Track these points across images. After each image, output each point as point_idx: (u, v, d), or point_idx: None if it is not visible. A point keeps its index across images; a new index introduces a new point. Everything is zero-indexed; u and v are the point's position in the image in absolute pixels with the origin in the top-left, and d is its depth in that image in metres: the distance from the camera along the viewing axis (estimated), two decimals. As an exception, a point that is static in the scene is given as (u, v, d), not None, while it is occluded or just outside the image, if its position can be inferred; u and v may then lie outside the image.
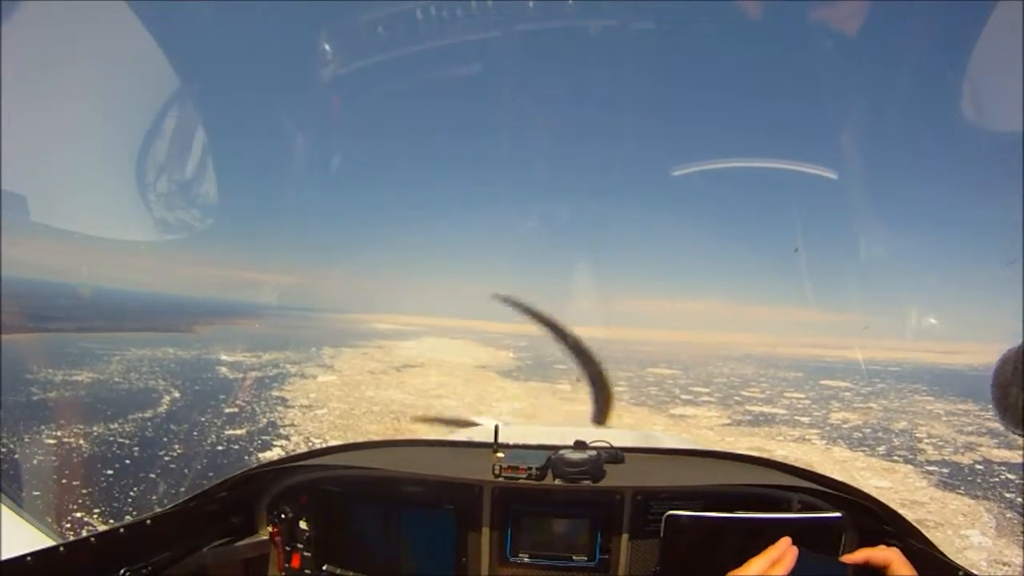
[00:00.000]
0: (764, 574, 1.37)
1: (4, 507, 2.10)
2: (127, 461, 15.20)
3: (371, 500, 2.08)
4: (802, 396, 26.04)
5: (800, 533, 1.57)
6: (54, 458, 13.66)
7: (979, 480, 16.81)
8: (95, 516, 11.23)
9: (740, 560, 1.45)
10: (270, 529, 2.09)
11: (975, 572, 1.56)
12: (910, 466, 17.81)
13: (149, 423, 18.48)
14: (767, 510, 1.76)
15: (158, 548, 1.69)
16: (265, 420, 21.10)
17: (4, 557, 1.33)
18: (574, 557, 2.00)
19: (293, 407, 22.78)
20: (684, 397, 26.54)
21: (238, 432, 19.11)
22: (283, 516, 2.06)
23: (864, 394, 25.97)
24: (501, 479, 1.97)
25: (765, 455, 2.40)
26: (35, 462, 11.55)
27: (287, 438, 19.25)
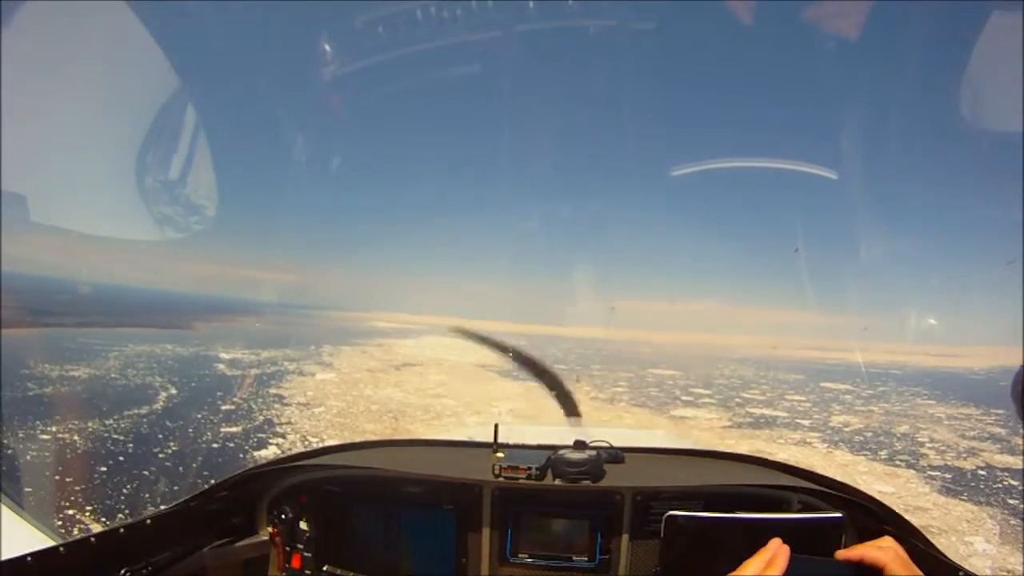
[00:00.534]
0: (759, 574, 1.35)
1: (4, 507, 2.09)
2: (121, 458, 15.11)
3: (371, 500, 2.08)
4: (803, 399, 26.02)
5: (800, 533, 1.56)
6: (48, 454, 13.58)
7: (982, 486, 16.77)
8: (87, 513, 11.16)
9: (740, 560, 1.44)
10: (270, 529, 2.09)
11: (976, 573, 1.56)
12: (912, 471, 17.78)
13: (145, 420, 18.40)
14: (767, 510, 1.76)
15: (158, 548, 1.69)
16: (262, 418, 21.03)
17: (4, 557, 1.32)
18: (574, 557, 2.00)
19: (290, 405, 22.73)
20: (684, 398, 26.53)
21: (234, 430, 19.04)
22: (283, 516, 2.06)
23: (865, 397, 25.96)
24: (501, 479, 1.97)
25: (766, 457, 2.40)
26: (28, 458, 11.47)
27: (283, 436, 19.18)
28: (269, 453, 16.96)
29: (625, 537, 1.98)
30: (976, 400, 22.85)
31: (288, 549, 2.09)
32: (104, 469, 14.13)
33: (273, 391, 24.16)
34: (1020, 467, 17.22)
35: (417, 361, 33.97)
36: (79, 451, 15.62)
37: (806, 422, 23.18)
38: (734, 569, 1.42)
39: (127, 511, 11.77)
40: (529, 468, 1.96)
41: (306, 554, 2.08)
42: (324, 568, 2.08)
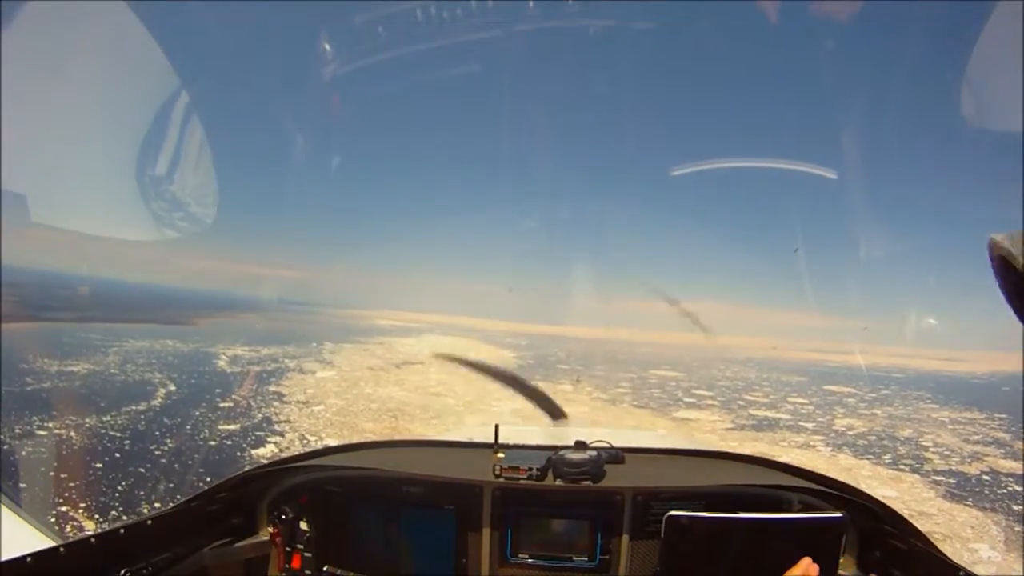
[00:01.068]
0: None
1: (4, 507, 2.09)
2: (117, 455, 15.00)
3: (371, 501, 2.08)
4: (805, 401, 25.90)
5: (800, 533, 1.55)
6: (44, 451, 13.53)
7: (986, 491, 16.63)
8: (81, 511, 11.14)
9: (740, 561, 1.43)
10: (270, 530, 2.09)
11: (976, 573, 1.55)
12: (916, 475, 17.67)
13: (143, 416, 18.30)
14: (768, 510, 1.76)
15: (158, 548, 1.69)
16: (260, 416, 20.92)
17: (4, 557, 1.32)
18: (574, 558, 2.00)
19: (290, 403, 22.63)
20: (687, 400, 26.44)
21: (231, 427, 18.96)
22: (283, 517, 2.06)
23: (868, 400, 25.85)
24: (502, 479, 1.98)
25: (768, 460, 2.39)
26: (25, 454, 11.44)
27: (281, 435, 19.09)
28: (266, 451, 16.92)
29: (625, 537, 1.98)
30: (980, 404, 22.76)
31: (288, 549, 2.09)
32: (99, 466, 14.05)
33: (273, 389, 24.09)
34: (1022, 472, 17.14)
35: (418, 360, 33.95)
36: (75, 448, 15.56)
37: (809, 425, 23.09)
38: (734, 569, 1.41)
39: (121, 509, 11.70)
40: (530, 468, 1.97)
41: (306, 554, 2.08)
42: (324, 568, 2.09)
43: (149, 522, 1.68)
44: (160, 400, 20.05)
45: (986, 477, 17.52)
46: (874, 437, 21.53)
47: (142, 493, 12.71)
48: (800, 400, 26.10)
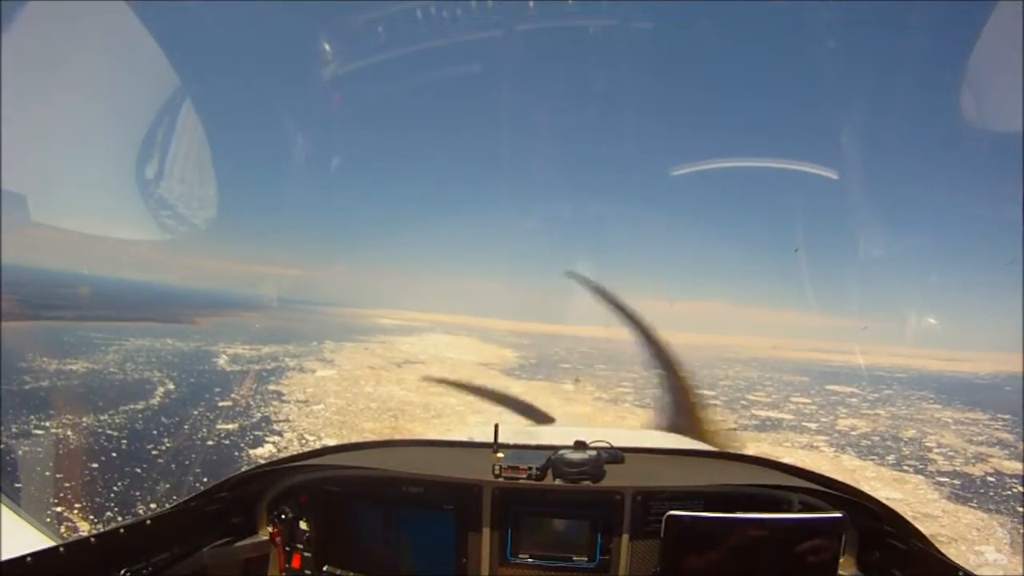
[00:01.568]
0: None
1: (4, 507, 2.09)
2: (114, 454, 14.90)
3: (371, 500, 2.08)
4: (808, 401, 25.84)
5: (801, 533, 1.55)
6: (41, 450, 13.48)
7: (991, 493, 16.55)
8: (75, 511, 11.11)
9: (740, 560, 1.42)
10: (270, 529, 2.09)
11: (976, 573, 1.55)
12: (921, 476, 17.58)
13: (141, 415, 18.21)
14: (767, 510, 1.76)
15: (158, 548, 1.69)
16: (259, 415, 20.83)
17: (4, 557, 1.32)
18: (574, 558, 2.00)
19: (289, 402, 22.56)
20: (690, 400, 26.34)
21: (230, 427, 18.89)
22: (283, 516, 2.06)
23: (871, 400, 25.80)
24: (501, 479, 1.98)
25: (771, 461, 2.39)
26: (22, 453, 11.41)
27: (280, 434, 19.02)
28: (265, 451, 16.87)
29: (625, 537, 1.98)
30: (983, 405, 22.71)
31: (288, 549, 2.09)
32: (95, 465, 13.96)
33: (272, 387, 24.05)
34: (1026, 474, 17.08)
35: (419, 359, 33.94)
36: (72, 447, 15.49)
37: (812, 425, 23.03)
38: (734, 569, 1.41)
39: (117, 509, 11.65)
40: (529, 468, 1.97)
41: (306, 554, 2.08)
42: (324, 568, 2.09)
43: (148, 522, 1.68)
44: (159, 399, 19.99)
45: (991, 478, 17.45)
46: (877, 438, 21.47)
47: (138, 493, 12.62)
48: (803, 400, 26.05)
